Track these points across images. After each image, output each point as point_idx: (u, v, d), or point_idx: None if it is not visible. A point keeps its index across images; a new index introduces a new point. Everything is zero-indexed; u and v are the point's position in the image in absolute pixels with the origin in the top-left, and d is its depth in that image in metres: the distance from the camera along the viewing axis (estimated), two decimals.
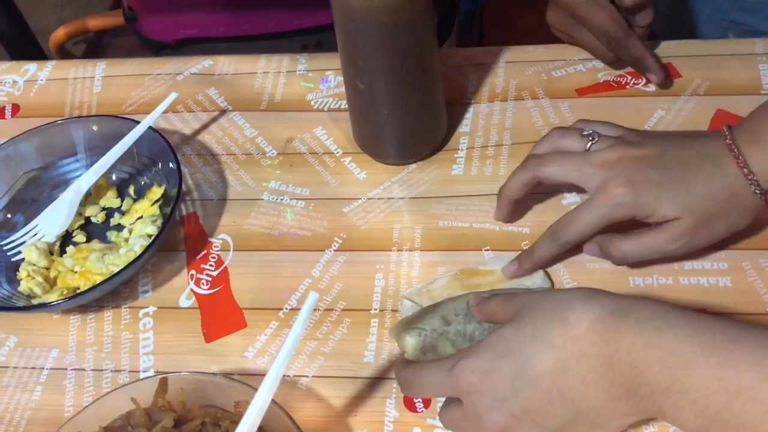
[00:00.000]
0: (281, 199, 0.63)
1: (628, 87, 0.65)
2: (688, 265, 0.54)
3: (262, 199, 0.63)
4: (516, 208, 0.56)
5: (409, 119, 0.59)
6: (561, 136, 0.54)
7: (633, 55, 0.62)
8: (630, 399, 0.38)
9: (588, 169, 0.51)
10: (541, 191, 0.57)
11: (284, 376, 0.51)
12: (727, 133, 0.50)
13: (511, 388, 0.41)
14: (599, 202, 0.50)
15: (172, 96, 0.64)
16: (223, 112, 0.70)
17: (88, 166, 0.63)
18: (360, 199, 0.62)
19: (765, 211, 0.50)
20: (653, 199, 0.49)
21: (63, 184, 0.64)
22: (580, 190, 0.54)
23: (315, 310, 0.55)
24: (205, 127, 0.69)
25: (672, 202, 0.49)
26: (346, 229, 0.60)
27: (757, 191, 0.48)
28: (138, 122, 0.62)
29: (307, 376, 0.52)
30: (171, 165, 0.60)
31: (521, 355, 0.41)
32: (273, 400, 0.44)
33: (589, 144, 0.52)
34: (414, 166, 0.63)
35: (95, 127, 0.64)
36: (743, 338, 0.35)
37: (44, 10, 2.03)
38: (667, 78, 0.64)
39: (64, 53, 1.05)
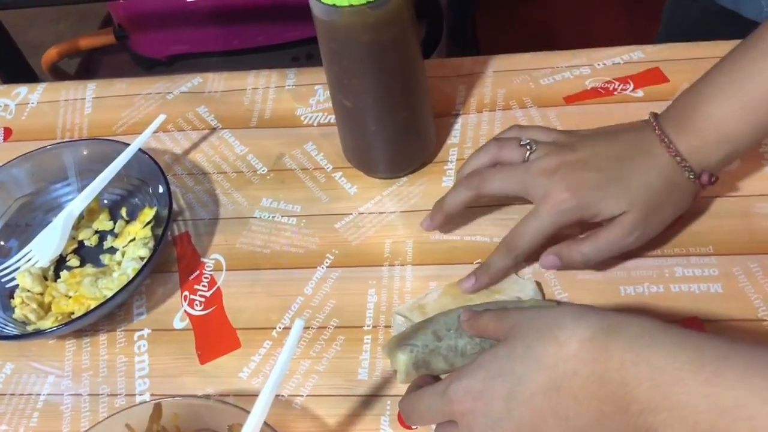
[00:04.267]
0: (273, 217, 0.63)
1: (615, 93, 0.66)
2: (678, 272, 0.54)
3: (254, 217, 0.63)
4: (452, 220, 0.57)
5: (397, 135, 0.59)
6: (500, 148, 0.55)
7: None
8: (623, 416, 0.38)
9: (530, 180, 0.52)
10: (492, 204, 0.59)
11: (279, 396, 0.52)
12: (654, 122, 0.52)
13: (505, 408, 0.41)
14: (546, 211, 0.51)
15: (161, 118, 0.65)
16: (213, 130, 0.71)
17: (80, 189, 0.63)
18: (351, 214, 0.62)
19: (700, 193, 0.53)
20: (596, 199, 0.51)
21: (55, 208, 0.64)
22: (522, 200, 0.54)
23: (308, 328, 0.55)
24: (195, 146, 0.70)
25: (615, 200, 0.51)
26: (338, 245, 0.60)
27: (691, 176, 0.50)
28: (128, 144, 0.63)
29: (301, 396, 0.52)
30: (161, 188, 0.60)
31: (514, 375, 0.41)
32: (266, 423, 0.44)
33: (528, 153, 0.53)
34: (404, 179, 0.63)
35: (85, 151, 0.64)
36: (730, 355, 0.35)
37: (40, 25, 2.03)
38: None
39: (56, 73, 1.05)
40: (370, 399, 0.51)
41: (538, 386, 0.40)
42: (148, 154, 0.62)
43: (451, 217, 0.56)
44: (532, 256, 0.54)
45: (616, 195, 0.50)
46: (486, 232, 0.58)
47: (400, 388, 0.51)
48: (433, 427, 0.47)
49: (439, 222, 0.57)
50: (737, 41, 0.52)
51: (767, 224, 0.55)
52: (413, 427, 0.49)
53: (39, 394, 0.55)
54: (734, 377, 0.34)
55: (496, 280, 0.54)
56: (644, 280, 0.54)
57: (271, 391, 0.41)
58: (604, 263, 0.54)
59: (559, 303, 0.53)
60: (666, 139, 0.51)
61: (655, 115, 0.53)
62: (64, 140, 0.72)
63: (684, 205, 0.52)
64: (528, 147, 0.54)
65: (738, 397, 0.34)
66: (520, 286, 0.54)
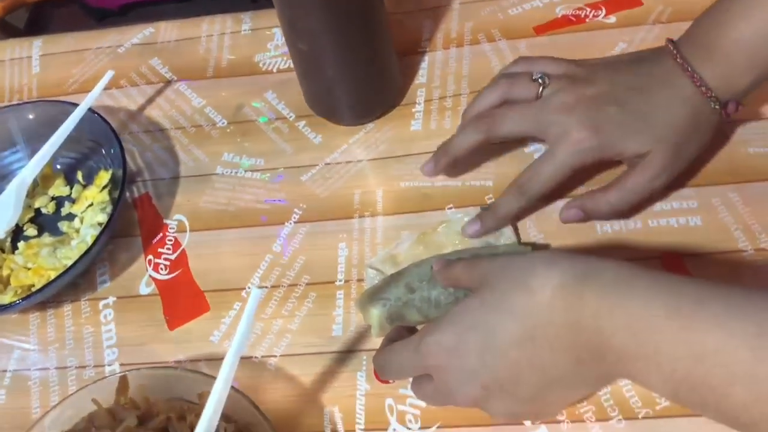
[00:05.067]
0: (236, 172, 0.60)
1: (587, 20, 0.62)
2: (657, 206, 0.52)
3: (217, 174, 0.60)
4: (457, 164, 0.54)
5: (359, 78, 0.56)
6: (510, 85, 0.51)
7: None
8: (599, 364, 0.37)
9: (546, 118, 0.48)
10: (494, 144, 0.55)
11: (252, 357, 0.50)
12: (674, 50, 0.48)
13: (480, 361, 0.39)
14: (563, 151, 0.48)
15: (109, 74, 0.61)
16: (168, 83, 0.67)
17: (30, 155, 0.60)
18: (317, 165, 0.59)
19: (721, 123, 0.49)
20: (619, 137, 0.47)
21: (6, 177, 0.61)
22: (536, 140, 0.52)
23: (278, 287, 0.54)
24: (150, 101, 0.66)
25: (639, 138, 0.47)
26: (306, 199, 0.58)
27: (717, 106, 0.47)
28: (76, 105, 0.59)
29: (275, 356, 0.51)
30: (114, 149, 0.57)
31: (487, 327, 0.39)
32: (234, 388, 0.42)
33: (541, 89, 0.50)
34: (371, 125, 0.60)
35: (31, 115, 0.61)
36: (706, 299, 0.34)
37: None
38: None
39: (5, 28, 0.99)
40: (345, 355, 0.50)
41: (512, 337, 0.39)
42: (98, 114, 0.59)
43: (457, 161, 0.53)
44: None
45: (640, 133, 0.47)
46: (458, 176, 0.56)
47: (376, 342, 0.49)
48: (410, 379, 0.46)
49: (444, 166, 0.53)
50: None
51: (747, 152, 0.53)
52: (390, 381, 0.48)
53: (5, 371, 0.54)
54: (711, 321, 0.33)
55: (504, 224, 0.51)
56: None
57: (231, 365, 0.40)
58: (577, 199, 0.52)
59: (534, 246, 0.51)
60: (689, 68, 0.47)
61: (672, 42, 0.49)
62: (12, 103, 0.68)
63: (707, 138, 0.49)
64: (540, 82, 0.50)
65: (715, 342, 0.33)
66: (498, 237, 0.52)
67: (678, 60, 0.47)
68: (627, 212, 0.51)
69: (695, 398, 0.34)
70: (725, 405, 0.33)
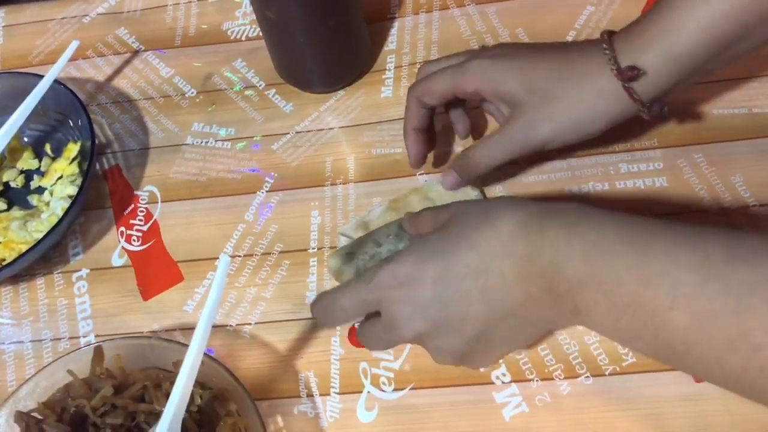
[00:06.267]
0: (206, 142, 0.60)
1: None
2: (623, 168, 0.53)
3: (187, 144, 0.60)
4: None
5: (328, 45, 0.56)
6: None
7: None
8: (548, 297, 0.37)
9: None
10: None
11: (227, 326, 0.51)
12: (606, 34, 0.46)
13: (432, 291, 0.39)
14: (454, 66, 0.48)
15: (74, 45, 0.60)
16: (135, 53, 0.66)
17: None
18: (288, 133, 0.59)
19: (622, 96, 0.45)
20: (507, 78, 0.46)
21: None
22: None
23: (251, 255, 0.54)
24: (118, 71, 0.65)
25: (515, 82, 0.46)
26: (277, 168, 0.58)
27: (613, 69, 0.44)
28: (41, 76, 0.58)
29: (250, 324, 0.51)
30: (82, 120, 0.56)
31: (445, 257, 0.39)
32: (209, 355, 0.43)
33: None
34: (342, 92, 0.60)
35: None
36: (660, 231, 0.35)
37: None
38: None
39: None
40: None
41: (468, 268, 0.39)
42: (64, 85, 0.58)
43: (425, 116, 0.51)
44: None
45: (522, 77, 0.46)
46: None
47: None
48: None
49: (418, 144, 0.52)
50: None
51: (711, 113, 0.54)
52: (361, 345, 0.49)
53: None
54: (660, 249, 0.34)
55: (478, 170, 0.49)
56: (589, 179, 0.53)
57: (204, 332, 0.40)
58: (546, 163, 0.52)
59: None
60: (606, 37, 0.45)
61: (607, 32, 0.47)
62: None
63: (600, 106, 0.45)
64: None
65: (662, 266, 0.33)
66: (462, 194, 0.52)
67: (605, 49, 0.45)
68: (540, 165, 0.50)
69: (636, 325, 0.34)
70: (663, 330, 0.33)
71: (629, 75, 0.44)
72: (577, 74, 0.46)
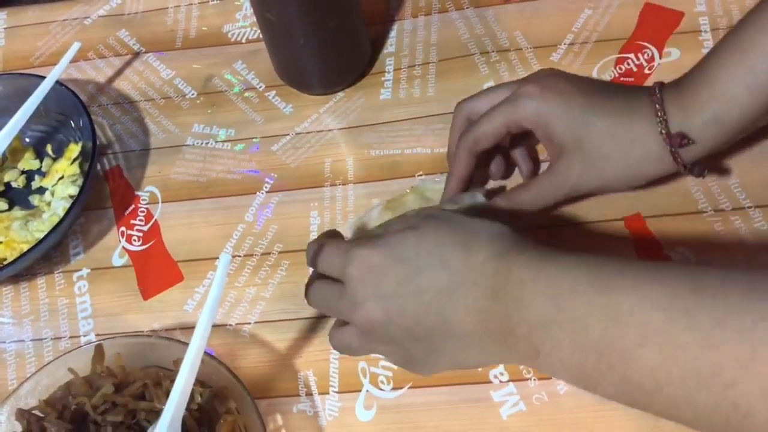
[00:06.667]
0: (207, 143, 0.60)
1: None
2: None
3: (187, 145, 0.60)
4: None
5: (328, 47, 0.56)
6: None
7: None
8: (506, 338, 0.38)
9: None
10: None
11: (226, 325, 0.51)
12: (656, 90, 0.46)
13: (394, 289, 0.40)
14: (506, 102, 0.48)
15: (75, 46, 0.60)
16: (136, 54, 0.67)
17: None
18: (288, 135, 0.60)
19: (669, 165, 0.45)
20: (559, 119, 0.46)
21: None
22: None
23: (251, 255, 0.54)
24: (119, 73, 0.66)
25: (568, 129, 0.46)
26: (277, 169, 0.58)
27: (663, 132, 0.44)
28: (43, 77, 0.59)
29: (249, 323, 0.52)
30: (83, 121, 0.57)
31: (416, 266, 0.40)
32: (209, 354, 0.43)
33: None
34: (341, 94, 0.61)
35: None
36: (625, 269, 0.35)
37: None
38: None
39: None
40: (318, 321, 0.51)
41: (434, 283, 0.39)
42: (66, 86, 0.58)
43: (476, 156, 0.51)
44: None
45: (574, 126, 0.46)
46: (427, 144, 0.57)
47: None
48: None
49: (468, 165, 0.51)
50: None
51: None
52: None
53: None
54: (629, 287, 0.34)
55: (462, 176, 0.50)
56: None
57: (204, 330, 0.40)
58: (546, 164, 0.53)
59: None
60: (657, 96, 0.45)
61: (660, 84, 0.46)
62: None
63: (639, 171, 0.46)
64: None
65: (631, 304, 0.33)
66: (469, 197, 0.52)
67: (657, 110, 0.45)
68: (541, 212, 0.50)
69: (602, 367, 0.34)
70: (632, 369, 0.33)
71: (679, 142, 0.44)
72: (629, 136, 0.45)
